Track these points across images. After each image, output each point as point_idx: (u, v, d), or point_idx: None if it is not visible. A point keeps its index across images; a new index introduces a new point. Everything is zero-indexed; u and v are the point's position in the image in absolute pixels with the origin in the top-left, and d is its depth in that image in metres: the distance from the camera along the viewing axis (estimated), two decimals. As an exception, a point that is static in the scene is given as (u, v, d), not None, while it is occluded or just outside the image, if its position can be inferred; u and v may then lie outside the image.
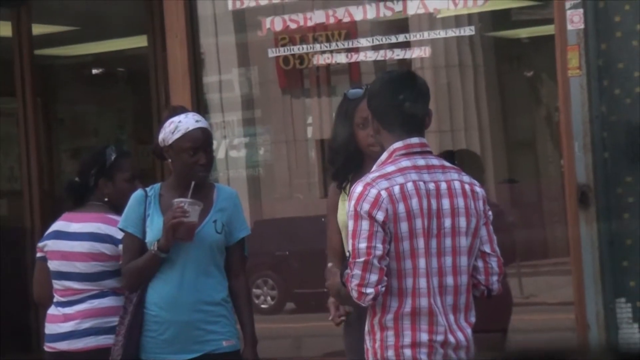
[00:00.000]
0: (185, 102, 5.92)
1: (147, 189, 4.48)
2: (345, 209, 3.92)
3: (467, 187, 3.69)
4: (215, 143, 4.90)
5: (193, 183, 4.33)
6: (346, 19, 6.18)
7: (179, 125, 4.38)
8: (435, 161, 3.69)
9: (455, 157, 5.87)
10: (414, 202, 3.60)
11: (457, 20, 6.25)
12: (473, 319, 3.70)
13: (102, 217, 4.71)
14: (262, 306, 7.44)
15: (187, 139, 4.36)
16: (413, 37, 6.22)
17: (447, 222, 3.63)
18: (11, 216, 8.51)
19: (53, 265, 4.75)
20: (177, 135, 4.37)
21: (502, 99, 7.43)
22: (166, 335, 4.35)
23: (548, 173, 7.67)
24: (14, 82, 7.56)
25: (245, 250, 4.50)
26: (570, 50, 5.24)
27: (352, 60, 6.38)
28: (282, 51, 6.45)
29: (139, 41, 8.00)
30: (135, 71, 9.25)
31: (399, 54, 6.23)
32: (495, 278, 3.74)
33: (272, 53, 6.51)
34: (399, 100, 3.68)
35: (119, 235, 4.54)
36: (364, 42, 6.30)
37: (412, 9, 6.06)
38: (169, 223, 4.28)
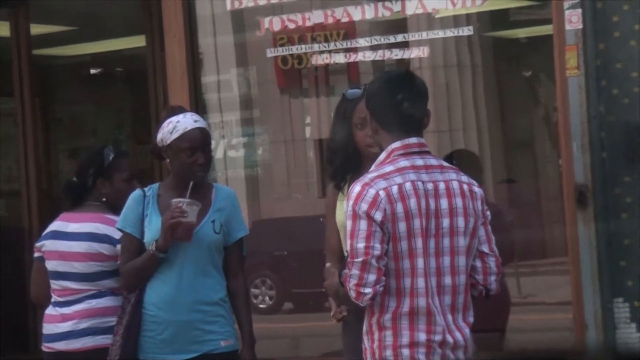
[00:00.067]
0: (183, 102, 5.92)
1: (146, 189, 4.48)
2: (343, 209, 3.92)
3: (465, 187, 3.69)
4: (213, 143, 4.90)
5: (191, 183, 4.32)
6: (345, 19, 6.18)
7: (177, 125, 4.38)
8: (433, 161, 3.69)
9: (454, 157, 5.87)
10: (412, 202, 3.60)
11: (456, 20, 6.25)
12: (471, 319, 3.70)
13: (100, 217, 4.70)
14: (260, 306, 7.44)
15: (186, 139, 4.36)
16: (411, 37, 6.22)
17: (446, 222, 3.63)
18: (9, 216, 8.51)
19: (51, 265, 4.75)
20: (175, 135, 4.37)
21: (501, 99, 7.44)
22: (164, 335, 4.35)
23: (546, 173, 7.68)
24: (12, 82, 7.56)
25: (244, 250, 4.50)
26: (568, 50, 5.25)
27: (351, 60, 6.38)
28: (281, 51, 6.45)
29: (138, 41, 8.00)
30: (134, 71, 9.24)
31: (397, 54, 6.24)
32: (493, 278, 3.75)
33: (270, 53, 6.51)
34: (398, 100, 3.67)
35: (117, 235, 4.53)
36: (362, 42, 6.30)
37: (411, 9, 6.06)
38: (167, 223, 4.28)
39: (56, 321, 4.70)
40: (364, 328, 3.70)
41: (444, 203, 3.64)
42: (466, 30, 6.24)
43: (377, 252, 3.56)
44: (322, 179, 7.07)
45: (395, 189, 3.60)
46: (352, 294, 3.60)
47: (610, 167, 5.25)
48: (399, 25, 6.27)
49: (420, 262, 3.60)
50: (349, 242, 3.61)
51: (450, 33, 6.24)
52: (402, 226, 3.59)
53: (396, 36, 6.16)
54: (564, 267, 5.64)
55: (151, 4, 7.22)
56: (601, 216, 5.22)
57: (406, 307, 3.60)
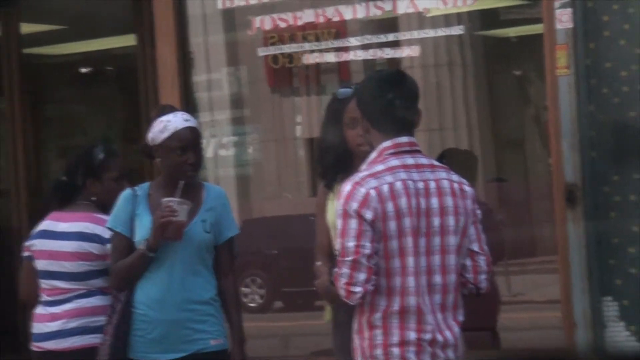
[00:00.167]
0: (174, 101, 5.92)
1: (136, 188, 4.47)
2: (334, 208, 3.92)
3: (455, 186, 3.70)
4: (204, 142, 4.90)
5: (182, 182, 4.32)
6: (336, 18, 6.19)
7: (167, 124, 4.38)
8: (424, 160, 3.70)
9: (445, 156, 5.88)
10: (403, 201, 3.60)
11: (447, 20, 6.26)
12: (461, 318, 3.71)
13: (90, 216, 4.70)
14: (251, 305, 7.44)
15: (176, 139, 4.36)
16: (402, 36, 6.23)
17: (436, 221, 3.64)
18: (-1, 215, 8.49)
19: (40, 264, 4.74)
20: (165, 135, 4.37)
21: (491, 98, 7.45)
22: (154, 335, 4.34)
23: (536, 172, 7.69)
24: (1, 81, 7.55)
25: (235, 250, 4.50)
26: (558, 50, 5.26)
27: (342, 59, 6.39)
28: (272, 50, 6.45)
29: (128, 40, 7.99)
30: (124, 70, 9.22)
31: (388, 53, 6.24)
32: (483, 276, 3.75)
33: (261, 52, 6.51)
34: (389, 99, 3.68)
35: (107, 234, 4.53)
36: (353, 41, 6.31)
37: (402, 8, 6.08)
38: (157, 222, 4.27)
39: (45, 320, 4.69)
40: (355, 327, 3.70)
41: (435, 202, 3.64)
42: (457, 30, 6.26)
43: (367, 251, 3.57)
44: (312, 178, 7.07)
45: (386, 188, 3.60)
46: (342, 292, 3.60)
47: (600, 166, 5.27)
48: (390, 24, 6.28)
49: (410, 261, 3.60)
50: (339, 240, 3.62)
51: (441, 32, 6.25)
52: (392, 225, 3.59)
53: (387, 35, 6.17)
54: (553, 266, 5.66)
55: (142, 3, 7.21)
56: (590, 215, 5.24)
57: (396, 305, 3.60)
